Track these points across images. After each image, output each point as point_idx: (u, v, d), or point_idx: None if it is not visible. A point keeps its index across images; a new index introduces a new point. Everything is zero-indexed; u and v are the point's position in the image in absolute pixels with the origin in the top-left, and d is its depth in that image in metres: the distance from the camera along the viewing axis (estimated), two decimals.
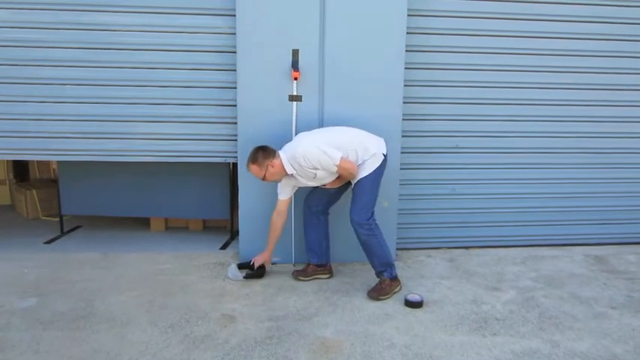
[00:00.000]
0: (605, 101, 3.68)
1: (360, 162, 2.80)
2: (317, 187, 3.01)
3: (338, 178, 2.88)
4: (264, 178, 2.81)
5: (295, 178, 2.87)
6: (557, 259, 3.56)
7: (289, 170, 2.80)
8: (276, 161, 2.79)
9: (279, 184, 2.96)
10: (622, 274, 3.30)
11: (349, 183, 2.92)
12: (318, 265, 3.15)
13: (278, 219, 3.00)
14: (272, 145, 2.88)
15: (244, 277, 3.07)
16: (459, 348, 2.37)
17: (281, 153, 2.83)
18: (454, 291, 3.00)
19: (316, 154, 2.70)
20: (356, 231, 2.83)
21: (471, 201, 3.69)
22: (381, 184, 2.88)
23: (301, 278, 3.13)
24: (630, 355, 2.33)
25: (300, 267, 3.22)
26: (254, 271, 3.09)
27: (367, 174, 2.80)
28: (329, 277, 3.15)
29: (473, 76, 3.48)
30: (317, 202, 3.07)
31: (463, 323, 2.61)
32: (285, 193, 2.98)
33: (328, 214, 3.14)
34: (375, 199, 2.86)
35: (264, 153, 2.79)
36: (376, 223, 2.86)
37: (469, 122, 3.55)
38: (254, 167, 2.80)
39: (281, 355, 2.28)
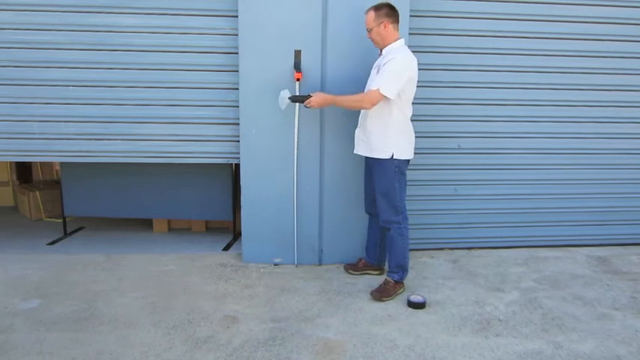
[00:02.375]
0: (609, 102, 3.67)
1: (389, 122, 2.75)
2: (366, 185, 3.05)
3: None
4: (369, 30, 2.77)
5: (377, 62, 2.83)
6: (560, 260, 3.55)
7: (389, 47, 2.74)
8: (393, 30, 2.74)
9: None
10: (625, 275, 3.29)
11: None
12: (370, 263, 3.19)
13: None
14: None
15: (289, 98, 2.93)
16: (461, 349, 2.37)
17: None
18: (457, 292, 2.99)
19: (399, 64, 2.64)
20: (386, 228, 2.88)
21: (474, 202, 3.68)
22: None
23: (351, 272, 3.21)
24: (634, 357, 2.32)
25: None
26: (300, 96, 2.93)
27: (381, 158, 2.77)
28: (379, 274, 3.16)
29: (475, 77, 3.48)
30: (368, 204, 3.07)
31: (466, 324, 2.60)
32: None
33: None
34: (402, 198, 2.84)
35: (390, 11, 2.74)
36: (407, 225, 2.87)
37: (471, 123, 3.55)
38: (372, 14, 2.74)
39: (284, 356, 2.28)
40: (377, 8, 2.74)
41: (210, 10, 3.20)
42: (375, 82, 2.68)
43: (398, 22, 2.78)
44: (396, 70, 2.65)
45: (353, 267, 3.24)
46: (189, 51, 3.24)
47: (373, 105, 2.71)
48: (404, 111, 2.78)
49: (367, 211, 3.13)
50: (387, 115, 2.75)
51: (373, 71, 2.84)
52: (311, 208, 3.30)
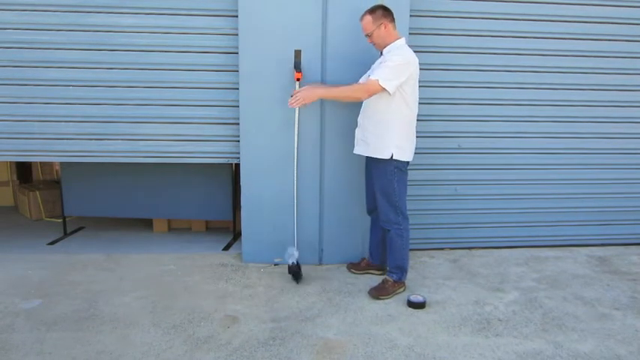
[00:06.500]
0: (609, 102, 3.67)
1: (389, 122, 2.74)
2: (367, 185, 3.06)
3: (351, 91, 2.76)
4: (369, 35, 2.75)
5: (377, 61, 2.83)
6: (560, 260, 3.55)
7: (390, 46, 2.73)
8: (392, 30, 2.74)
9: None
10: (625, 275, 3.29)
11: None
12: (372, 263, 3.20)
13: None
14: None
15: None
16: (461, 349, 2.37)
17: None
18: (457, 292, 2.99)
19: (400, 58, 2.65)
20: (385, 228, 2.88)
21: (474, 202, 3.68)
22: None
23: (353, 271, 3.23)
24: (634, 357, 2.32)
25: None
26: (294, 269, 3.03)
27: (379, 158, 2.77)
28: (381, 274, 3.13)
29: (475, 77, 3.48)
30: (370, 204, 3.07)
31: (466, 324, 2.61)
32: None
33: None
34: (402, 198, 2.83)
35: (385, 11, 2.73)
36: (407, 227, 2.87)
37: (471, 123, 3.55)
38: (368, 18, 2.72)
39: (284, 356, 2.28)
40: (372, 11, 2.73)
41: (210, 10, 3.20)
42: (375, 74, 2.66)
43: (394, 20, 2.77)
44: (397, 64, 2.64)
45: (355, 266, 3.25)
46: (189, 51, 3.24)
47: (369, 95, 2.69)
48: (404, 112, 2.75)
49: (369, 211, 3.13)
50: (387, 114, 2.74)
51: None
52: (311, 208, 3.30)
